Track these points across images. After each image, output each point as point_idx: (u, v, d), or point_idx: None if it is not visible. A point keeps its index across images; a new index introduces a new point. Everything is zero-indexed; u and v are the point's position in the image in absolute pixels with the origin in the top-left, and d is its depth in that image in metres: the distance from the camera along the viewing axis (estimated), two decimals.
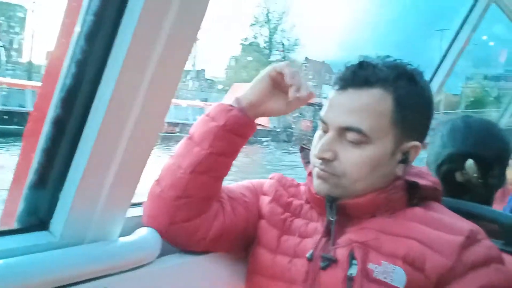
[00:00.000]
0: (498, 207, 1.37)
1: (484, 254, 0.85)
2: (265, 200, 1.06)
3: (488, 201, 1.23)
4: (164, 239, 0.92)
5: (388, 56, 0.96)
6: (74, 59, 0.76)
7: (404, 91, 0.91)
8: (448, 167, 1.22)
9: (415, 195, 0.95)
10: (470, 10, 2.27)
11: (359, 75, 0.91)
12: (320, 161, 0.93)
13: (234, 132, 0.93)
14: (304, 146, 1.08)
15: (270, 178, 1.11)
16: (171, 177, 0.93)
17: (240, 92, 0.97)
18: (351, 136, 0.90)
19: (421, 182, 0.95)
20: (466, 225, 0.89)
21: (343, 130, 0.91)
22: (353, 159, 0.91)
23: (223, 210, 0.98)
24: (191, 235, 0.94)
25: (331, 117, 0.93)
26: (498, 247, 0.91)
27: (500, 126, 1.28)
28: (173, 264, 0.94)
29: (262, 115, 0.97)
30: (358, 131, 0.89)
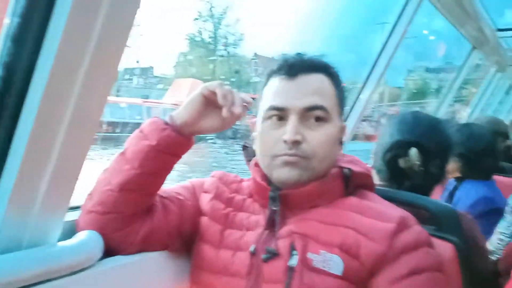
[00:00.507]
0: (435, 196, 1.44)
1: (414, 239, 0.90)
2: (206, 197, 1.06)
3: (427, 190, 1.30)
4: None
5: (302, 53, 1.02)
6: (2, 61, 0.73)
7: (336, 77, 1.01)
8: (393, 153, 1.28)
9: (350, 183, 0.99)
10: (405, 4, 2.36)
11: (305, 62, 0.98)
12: (286, 148, 0.94)
13: (167, 152, 0.93)
14: (246, 144, 1.10)
15: (212, 176, 1.12)
16: (100, 193, 0.92)
17: (182, 87, 0.97)
18: (316, 114, 0.95)
19: (355, 168, 1.00)
20: (397, 212, 0.94)
21: (306, 111, 0.95)
22: (319, 138, 0.95)
23: (153, 210, 0.98)
24: (121, 242, 0.94)
25: (292, 102, 0.96)
26: (430, 232, 0.96)
27: (445, 121, 1.36)
28: (116, 265, 0.93)
29: (198, 132, 0.97)
30: (322, 108, 0.96)
